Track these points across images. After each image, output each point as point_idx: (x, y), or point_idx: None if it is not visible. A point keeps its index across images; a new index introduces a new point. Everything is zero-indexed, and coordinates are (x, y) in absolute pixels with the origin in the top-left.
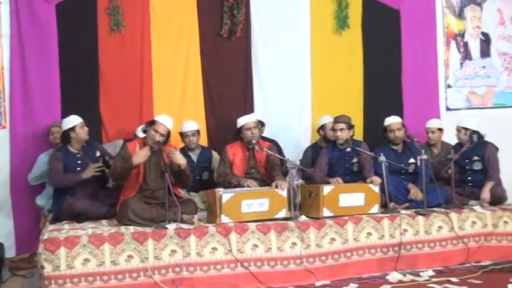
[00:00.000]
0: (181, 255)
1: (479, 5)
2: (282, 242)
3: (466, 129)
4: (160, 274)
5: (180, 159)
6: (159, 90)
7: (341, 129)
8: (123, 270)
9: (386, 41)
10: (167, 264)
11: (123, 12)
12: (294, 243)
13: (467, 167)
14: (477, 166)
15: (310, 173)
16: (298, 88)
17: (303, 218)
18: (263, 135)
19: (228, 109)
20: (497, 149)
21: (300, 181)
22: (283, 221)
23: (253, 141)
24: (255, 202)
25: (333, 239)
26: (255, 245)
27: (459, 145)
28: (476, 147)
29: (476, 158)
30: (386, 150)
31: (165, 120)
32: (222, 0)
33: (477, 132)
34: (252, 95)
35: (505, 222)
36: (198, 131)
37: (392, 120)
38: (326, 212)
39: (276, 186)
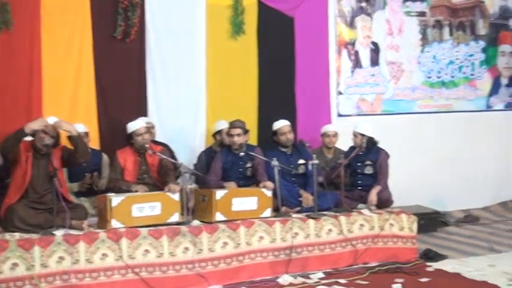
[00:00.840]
0: (69, 262)
1: (370, 15)
2: (174, 247)
3: (362, 135)
4: (47, 282)
5: (66, 126)
6: (49, 91)
7: (238, 134)
8: (7, 279)
9: (281, 48)
10: (54, 271)
11: (12, 10)
12: (186, 248)
13: (358, 171)
14: (368, 170)
15: (204, 178)
16: (193, 92)
17: (195, 222)
18: (156, 139)
19: (122, 112)
20: (388, 156)
21: (194, 185)
22: (176, 226)
23: (146, 146)
24: (146, 206)
25: (225, 243)
26: (147, 251)
27: (352, 149)
28: (369, 153)
29: (368, 162)
30: (276, 152)
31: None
32: (116, 2)
33: (372, 138)
34: (146, 99)
35: (391, 224)
36: (87, 133)
37: (282, 124)
38: (219, 216)
39: (168, 190)
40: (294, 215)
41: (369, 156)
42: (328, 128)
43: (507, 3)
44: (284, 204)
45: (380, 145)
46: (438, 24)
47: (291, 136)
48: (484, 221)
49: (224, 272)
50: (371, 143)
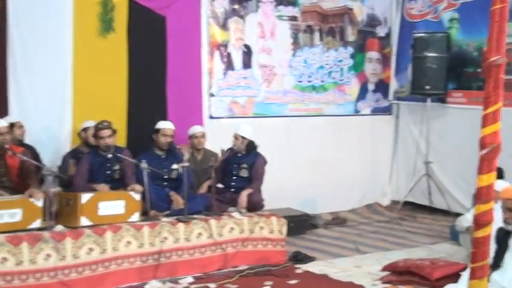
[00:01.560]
0: None
1: (242, 17)
2: (35, 254)
3: (243, 137)
4: None
5: None
6: None
7: (109, 136)
8: None
9: (152, 47)
10: None
11: None
12: (48, 255)
13: (234, 172)
14: (244, 173)
15: (69, 180)
16: (58, 91)
17: (59, 227)
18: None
19: None
20: (266, 161)
21: (58, 188)
22: (37, 232)
23: (6, 146)
24: (5, 213)
25: (90, 249)
26: (5, 258)
27: (230, 150)
28: (248, 156)
29: (245, 165)
30: (150, 155)
31: None
32: None
33: (253, 142)
34: (6, 96)
35: (261, 227)
36: None
37: (167, 125)
38: (84, 221)
39: (30, 196)
40: (164, 219)
41: (246, 159)
42: (195, 129)
43: (374, 11)
44: (153, 208)
45: (260, 150)
46: (309, 29)
47: (170, 139)
48: (351, 223)
49: (89, 280)
50: (251, 146)
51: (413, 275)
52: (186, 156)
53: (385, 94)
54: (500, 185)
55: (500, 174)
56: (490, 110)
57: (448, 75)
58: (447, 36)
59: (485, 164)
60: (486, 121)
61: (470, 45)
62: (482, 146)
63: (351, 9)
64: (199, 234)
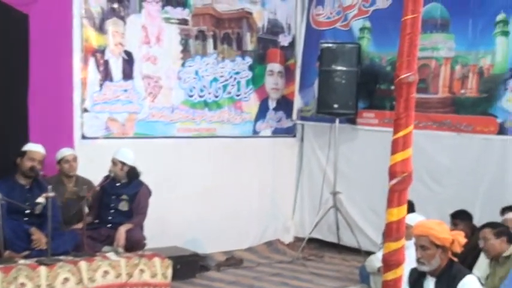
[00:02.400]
0: None
1: (123, 19)
2: None
3: (123, 163)
4: None
5: None
6: None
7: None
8: None
9: (11, 51)
10: None
11: None
12: None
13: (112, 205)
14: (123, 207)
15: None
16: None
17: None
18: None
19: None
20: (150, 193)
21: None
22: None
23: None
24: None
25: None
26: None
27: (106, 178)
28: (128, 186)
29: (125, 197)
30: (9, 184)
31: None
32: None
33: (134, 169)
34: None
35: (142, 270)
36: None
37: (36, 148)
38: None
39: None
40: (21, 261)
41: (126, 190)
42: (65, 152)
43: (276, 16)
44: (8, 248)
45: (142, 178)
46: (201, 35)
47: (36, 165)
48: (248, 264)
49: None
50: (133, 174)
51: None
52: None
53: (289, 113)
54: (413, 219)
55: (411, 207)
56: (401, 134)
57: (358, 92)
58: (358, 47)
59: (395, 196)
60: (396, 147)
61: (383, 58)
62: (392, 175)
63: (250, 13)
64: (66, 279)
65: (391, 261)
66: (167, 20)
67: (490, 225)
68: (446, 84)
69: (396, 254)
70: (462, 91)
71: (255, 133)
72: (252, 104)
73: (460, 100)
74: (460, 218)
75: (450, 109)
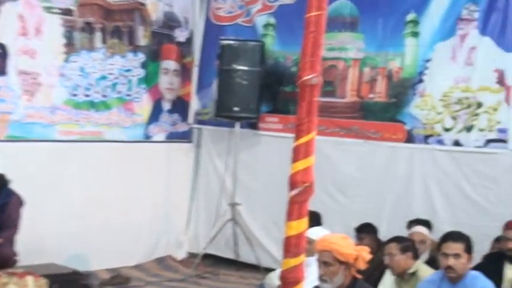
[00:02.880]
0: None
1: None
2: None
3: None
4: None
5: None
6: None
7: None
8: None
9: None
10: None
11: None
12: None
13: None
14: None
15: None
16: None
17: None
18: None
19: None
20: (22, 203)
21: None
22: None
23: None
24: None
25: None
26: None
27: None
28: None
29: None
30: None
31: None
32: None
33: (2, 176)
34: None
35: None
36: None
37: None
38: None
39: None
40: None
41: None
42: None
43: (173, 9)
44: None
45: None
46: (88, 28)
47: None
48: (136, 283)
49: None
50: (1, 182)
51: None
52: None
53: (184, 116)
54: (316, 233)
55: (317, 220)
56: (303, 140)
57: (261, 94)
58: (261, 45)
59: (295, 208)
60: (297, 154)
61: (289, 58)
62: (292, 185)
63: (143, 4)
64: None
65: (289, 279)
66: (48, 9)
67: (396, 239)
68: (355, 88)
69: (295, 270)
70: (370, 95)
71: (147, 137)
72: (144, 105)
73: (368, 105)
74: (365, 231)
75: (358, 114)
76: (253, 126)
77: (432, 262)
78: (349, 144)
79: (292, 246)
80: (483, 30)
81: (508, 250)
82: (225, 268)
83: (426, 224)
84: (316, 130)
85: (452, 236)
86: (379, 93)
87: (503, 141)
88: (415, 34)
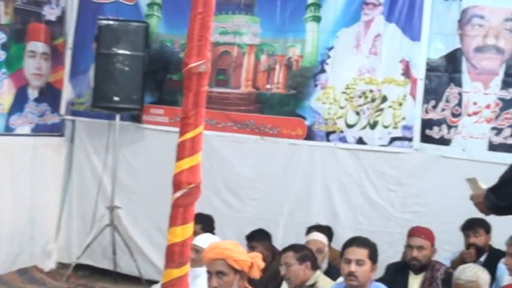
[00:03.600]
0: None
1: None
2: None
3: None
4: None
5: None
6: None
7: None
8: None
9: None
10: None
11: None
12: None
13: None
14: None
15: None
16: None
17: None
18: None
19: None
20: None
21: None
22: None
23: None
24: None
25: None
26: None
27: None
28: None
29: None
30: None
31: None
32: None
33: None
34: None
35: None
36: None
37: None
38: None
39: None
40: None
41: None
42: None
43: None
44: None
45: None
46: None
47: None
48: None
49: None
50: None
51: None
52: None
53: (55, 106)
54: (205, 241)
55: (210, 225)
56: (189, 135)
57: (145, 83)
58: (145, 27)
59: (179, 212)
60: (182, 152)
61: (177, 42)
62: (176, 186)
63: None
64: None
65: None
66: None
67: (293, 248)
68: (250, 78)
69: (179, 283)
70: (268, 86)
71: (9, 130)
72: (4, 93)
73: (265, 97)
74: (257, 239)
75: (254, 107)
76: (136, 118)
77: (331, 273)
78: (243, 140)
79: (176, 255)
80: (389, 17)
81: (412, 259)
82: (102, 280)
83: (327, 230)
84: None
85: (357, 241)
86: (277, 84)
87: (408, 139)
88: (317, 19)
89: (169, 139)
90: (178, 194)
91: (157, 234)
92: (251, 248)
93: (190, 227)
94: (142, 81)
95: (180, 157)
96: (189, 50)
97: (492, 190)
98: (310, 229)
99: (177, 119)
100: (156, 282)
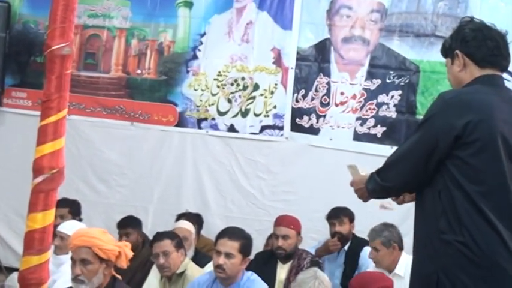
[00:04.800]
0: None
1: None
2: None
3: None
4: None
5: None
6: None
7: None
8: None
9: None
10: None
11: None
12: None
13: None
14: None
15: None
16: None
17: None
18: None
19: None
20: None
21: None
22: None
23: None
24: None
25: None
26: None
27: None
28: None
29: None
30: None
31: None
32: None
33: None
34: None
35: None
36: None
37: None
38: None
39: None
40: None
41: None
42: None
43: None
44: None
45: None
46: None
47: None
48: None
49: None
50: None
51: None
52: None
53: None
54: (71, 228)
55: (77, 210)
56: (51, 119)
57: (6, 65)
58: (7, 7)
59: (40, 198)
60: (44, 136)
61: (41, 23)
62: (37, 171)
63: None
64: None
65: (31, 280)
66: None
67: (168, 235)
68: (120, 62)
69: (38, 270)
70: (138, 71)
71: None
72: None
73: (135, 82)
74: (129, 226)
75: (124, 93)
76: None
77: (198, 260)
78: (113, 126)
79: (35, 241)
80: (261, 5)
81: (278, 248)
82: None
83: (196, 218)
84: (74, 109)
85: (229, 233)
86: (148, 70)
87: (279, 127)
88: (189, 4)
89: (32, 123)
90: (39, 179)
91: (18, 220)
92: (122, 236)
93: (51, 213)
94: (3, 63)
95: (41, 141)
96: (51, 31)
97: (377, 173)
98: (180, 216)
99: (41, 102)
100: (17, 269)
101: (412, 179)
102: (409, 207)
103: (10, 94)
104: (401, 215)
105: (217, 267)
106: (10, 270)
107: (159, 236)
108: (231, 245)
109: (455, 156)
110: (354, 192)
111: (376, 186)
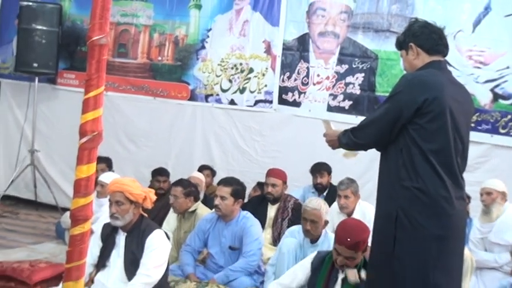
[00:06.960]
0: None
1: None
2: None
3: None
4: None
5: None
6: None
7: None
8: None
9: None
10: None
11: None
12: None
13: None
14: None
15: None
16: None
17: None
18: None
19: None
20: None
21: None
22: None
23: None
24: None
25: None
26: None
27: None
28: None
29: None
30: None
31: None
32: None
33: None
34: None
35: None
36: None
37: None
38: None
39: None
40: None
41: None
42: None
43: None
44: None
45: None
46: None
47: None
48: None
49: None
50: None
51: (10, 279)
52: None
53: None
54: (108, 178)
55: (109, 164)
56: (92, 94)
57: (59, 52)
58: (59, 8)
59: (84, 154)
60: (87, 107)
61: (85, 21)
62: (82, 133)
63: None
64: None
65: (79, 217)
66: None
67: (181, 184)
68: (145, 51)
69: (84, 209)
70: (159, 58)
71: None
72: None
73: (157, 66)
74: (166, 174)
75: (148, 75)
76: (52, 81)
77: (207, 202)
78: (140, 100)
79: (82, 187)
80: (254, 7)
81: (268, 194)
82: (25, 208)
83: (209, 169)
84: (110, 87)
85: (224, 181)
86: (167, 57)
87: (269, 101)
88: (198, 6)
89: (78, 98)
90: (83, 139)
91: (70, 171)
92: (156, 182)
93: (93, 166)
94: (57, 51)
95: (85, 111)
96: (92, 26)
97: (351, 131)
98: (202, 167)
99: (84, 81)
100: (68, 209)
101: (379, 138)
102: (372, 159)
103: (62, 75)
104: (365, 166)
105: (215, 206)
106: (64, 210)
107: (176, 183)
108: (225, 190)
109: (414, 123)
110: (326, 142)
111: (349, 141)
